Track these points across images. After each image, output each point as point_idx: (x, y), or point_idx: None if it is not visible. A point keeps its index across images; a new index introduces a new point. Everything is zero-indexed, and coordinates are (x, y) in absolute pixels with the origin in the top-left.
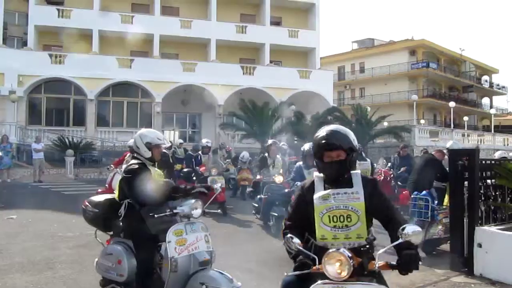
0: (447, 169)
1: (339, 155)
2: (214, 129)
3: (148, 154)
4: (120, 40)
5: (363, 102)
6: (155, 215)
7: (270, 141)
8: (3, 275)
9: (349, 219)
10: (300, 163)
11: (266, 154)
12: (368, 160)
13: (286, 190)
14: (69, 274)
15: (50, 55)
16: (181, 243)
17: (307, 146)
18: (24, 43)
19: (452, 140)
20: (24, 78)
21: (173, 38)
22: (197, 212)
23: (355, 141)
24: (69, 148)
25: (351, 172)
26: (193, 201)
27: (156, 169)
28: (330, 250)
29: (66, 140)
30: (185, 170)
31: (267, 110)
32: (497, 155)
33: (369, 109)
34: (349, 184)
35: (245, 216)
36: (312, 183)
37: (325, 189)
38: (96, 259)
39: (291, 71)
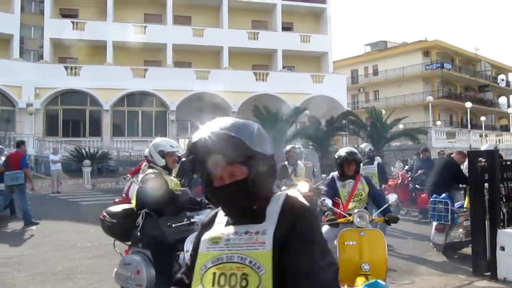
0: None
1: (233, 173)
2: None
3: (162, 162)
4: (133, 50)
5: (377, 105)
6: (173, 225)
7: (288, 147)
8: (24, 286)
9: (244, 282)
10: (334, 173)
11: (286, 162)
12: (376, 162)
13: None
14: (89, 285)
15: (66, 67)
16: None
17: (342, 151)
18: (40, 56)
19: (487, 143)
20: (41, 91)
21: (186, 47)
22: None
23: (258, 142)
24: (86, 159)
25: (274, 195)
26: (210, 210)
27: (172, 178)
28: None
29: (83, 151)
30: None
31: (281, 115)
32: None
33: (383, 112)
34: (261, 217)
35: None
36: (214, 216)
37: (227, 225)
38: (115, 269)
39: (304, 76)
